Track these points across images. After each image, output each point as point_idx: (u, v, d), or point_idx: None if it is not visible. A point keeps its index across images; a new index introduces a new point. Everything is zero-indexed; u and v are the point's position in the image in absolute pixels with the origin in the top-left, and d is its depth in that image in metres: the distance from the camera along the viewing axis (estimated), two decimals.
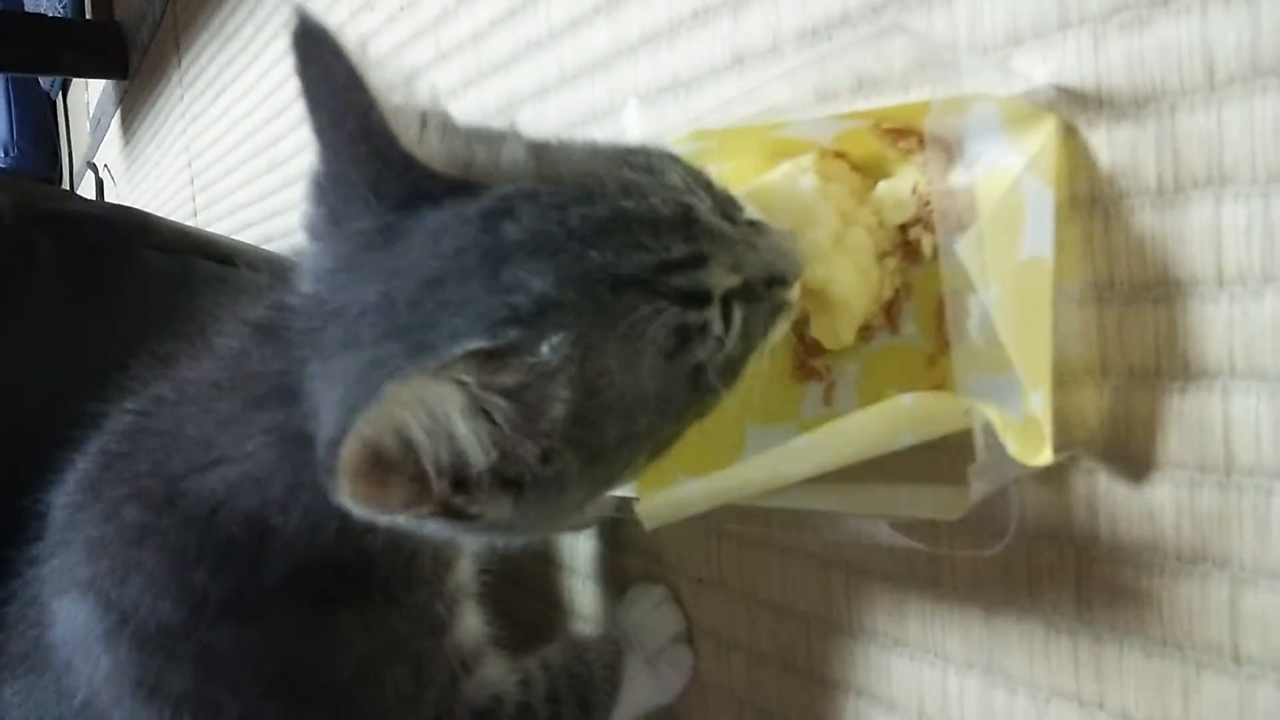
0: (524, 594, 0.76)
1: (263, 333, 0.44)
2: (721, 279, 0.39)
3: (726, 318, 0.40)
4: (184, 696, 0.46)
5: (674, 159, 0.41)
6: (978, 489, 0.37)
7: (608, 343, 0.36)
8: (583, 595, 0.71)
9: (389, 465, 0.32)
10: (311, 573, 0.44)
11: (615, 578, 0.68)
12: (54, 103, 3.49)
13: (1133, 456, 0.38)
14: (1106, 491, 0.39)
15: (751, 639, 0.57)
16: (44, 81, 3.36)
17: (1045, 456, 0.36)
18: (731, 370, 0.40)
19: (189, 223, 1.79)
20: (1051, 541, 0.41)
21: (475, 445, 0.34)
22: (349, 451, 0.31)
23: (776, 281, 0.41)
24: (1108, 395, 0.38)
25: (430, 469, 0.34)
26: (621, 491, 0.55)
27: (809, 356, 0.51)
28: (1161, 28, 0.35)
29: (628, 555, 0.67)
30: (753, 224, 0.42)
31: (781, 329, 0.43)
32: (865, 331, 0.48)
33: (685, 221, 0.38)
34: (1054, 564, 0.41)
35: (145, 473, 0.45)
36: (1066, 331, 0.39)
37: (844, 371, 0.50)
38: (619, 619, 0.63)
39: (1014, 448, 0.36)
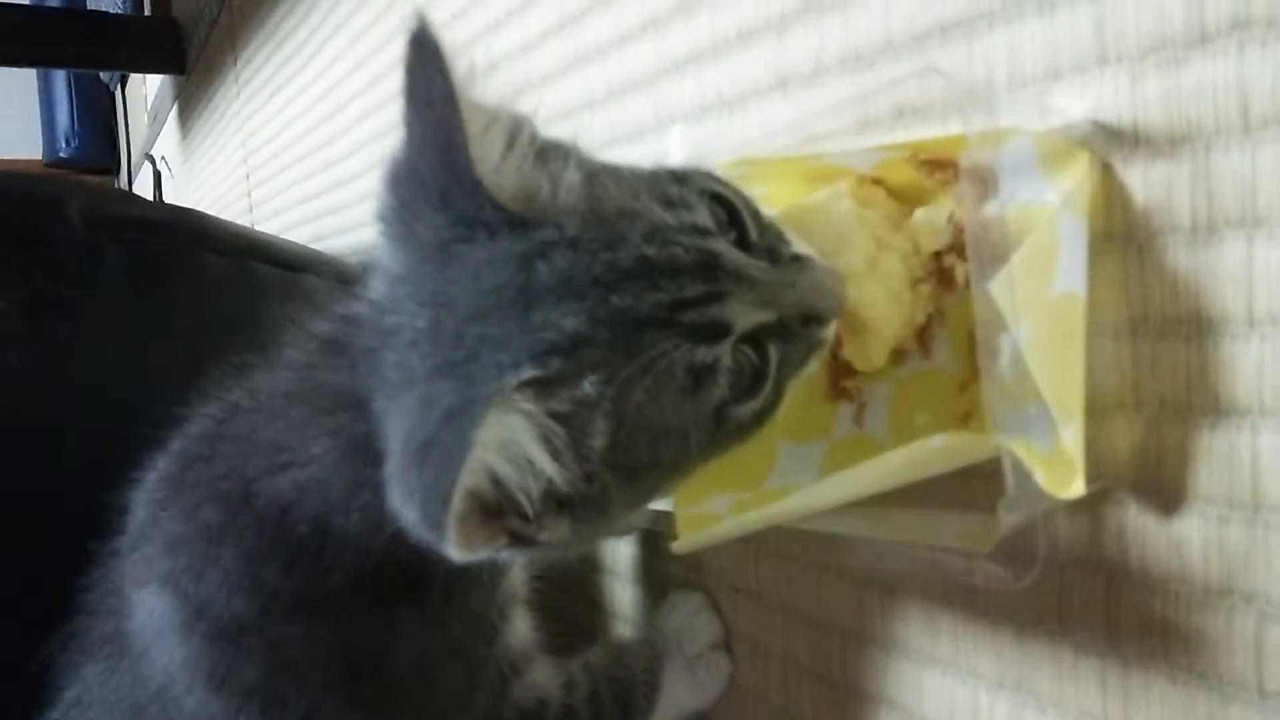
0: (569, 596, 0.78)
1: (329, 346, 0.46)
2: (745, 315, 0.40)
3: (761, 353, 0.41)
4: (253, 689, 0.48)
5: (715, 191, 0.43)
6: (1007, 522, 0.38)
7: (635, 378, 0.38)
8: (625, 599, 0.73)
9: (486, 508, 0.36)
10: (373, 572, 0.46)
11: (656, 583, 0.69)
12: (113, 95, 3.57)
13: (1163, 490, 0.38)
14: (1136, 523, 0.39)
15: (787, 649, 0.59)
16: (104, 75, 3.44)
17: (1076, 489, 0.36)
18: (764, 400, 0.42)
19: (244, 218, 1.83)
20: (1082, 569, 0.42)
21: (550, 468, 0.37)
22: (457, 505, 0.34)
23: (814, 319, 0.43)
24: (1139, 429, 0.39)
25: (522, 500, 0.37)
26: (659, 504, 0.56)
27: (841, 377, 0.52)
28: (1198, 68, 0.36)
29: (668, 562, 0.68)
30: (797, 259, 0.43)
31: (815, 364, 0.45)
32: (897, 355, 0.49)
33: (706, 265, 0.40)
34: (1084, 591, 0.42)
35: (222, 475, 0.48)
36: (1100, 365, 0.40)
37: (875, 393, 0.51)
38: (659, 624, 0.65)
39: (1043, 480, 0.37)
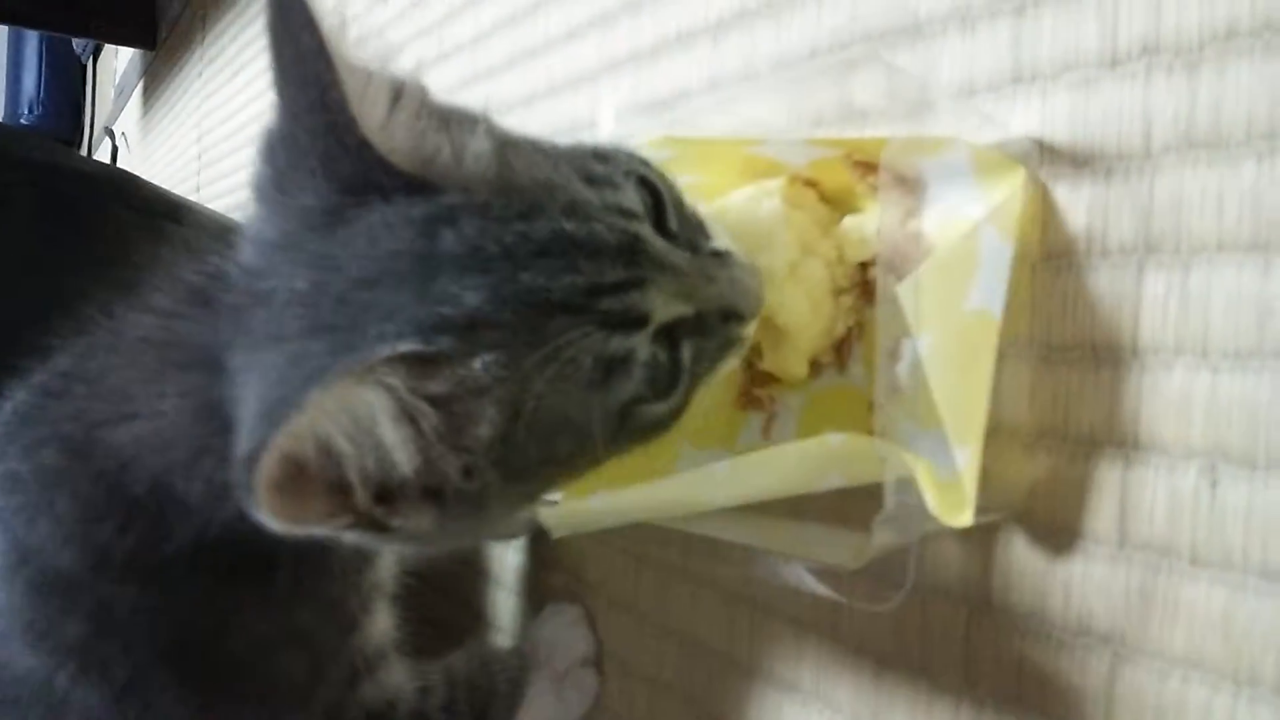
0: (443, 597, 0.75)
1: (196, 296, 0.42)
2: (664, 306, 0.38)
3: (674, 349, 0.39)
4: (72, 648, 0.45)
5: (643, 172, 0.40)
6: (880, 540, 0.36)
7: (537, 367, 0.35)
8: (504, 607, 0.70)
9: (309, 477, 0.31)
10: (214, 545, 0.42)
11: (536, 592, 0.67)
12: (84, 67, 3.52)
13: (1045, 525, 0.37)
14: (1005, 553, 0.38)
15: (658, 669, 0.56)
16: (77, 46, 3.39)
17: (965, 518, 0.34)
18: (673, 401, 0.39)
19: (191, 196, 1.80)
20: (945, 599, 0.40)
21: (402, 452, 0.33)
22: (267, 465, 0.29)
23: (733, 316, 0.40)
24: (1037, 459, 0.37)
25: (355, 479, 0.32)
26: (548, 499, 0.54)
27: (754, 386, 0.50)
28: (1225, 68, 0.35)
29: (551, 571, 0.66)
30: (718, 254, 0.41)
31: (731, 364, 0.42)
32: (813, 367, 0.47)
33: (629, 249, 0.37)
34: (946, 623, 0.40)
35: (68, 416, 0.45)
36: (1007, 389, 0.38)
37: (787, 405, 0.49)
38: (531, 633, 0.62)
39: (934, 504, 0.34)
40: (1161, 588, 0.33)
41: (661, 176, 0.41)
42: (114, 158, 2.69)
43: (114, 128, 2.80)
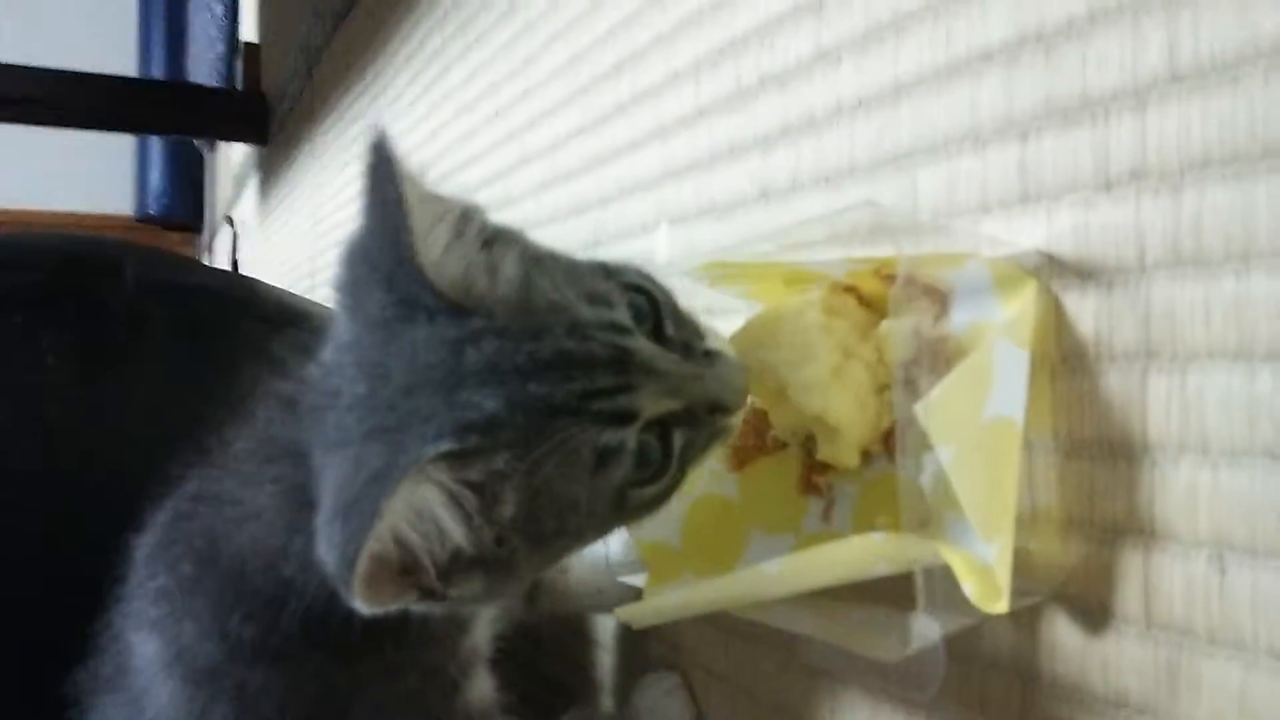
0: (553, 660, 0.81)
1: (284, 404, 0.50)
2: (652, 403, 0.44)
3: (666, 439, 0.45)
4: None
5: (644, 284, 0.47)
6: (916, 638, 0.40)
7: (546, 458, 0.42)
8: (607, 669, 0.75)
9: (390, 567, 0.39)
10: (320, 620, 0.48)
11: (636, 658, 0.72)
12: (203, 158, 3.77)
13: (1081, 604, 0.40)
14: (1049, 631, 0.41)
15: None
16: (196, 140, 3.63)
17: (1001, 606, 0.38)
18: (663, 484, 0.46)
19: (307, 280, 1.92)
20: (1000, 672, 0.43)
21: (456, 532, 0.41)
22: (361, 567, 0.38)
23: (718, 409, 0.47)
24: (1069, 546, 0.41)
25: (425, 562, 0.41)
26: (635, 581, 0.59)
27: (813, 473, 0.55)
28: (1204, 193, 0.38)
29: (650, 641, 0.70)
30: (709, 354, 0.47)
31: (716, 451, 0.49)
32: (865, 457, 0.51)
33: (618, 360, 0.43)
34: (1002, 695, 0.43)
35: (197, 532, 0.52)
36: (1038, 481, 0.42)
37: (844, 491, 0.53)
38: (632, 699, 0.67)
39: (973, 593, 0.38)
40: (1184, 665, 0.36)
41: (660, 288, 0.48)
42: (234, 244, 2.88)
43: (233, 215, 3.00)
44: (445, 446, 0.40)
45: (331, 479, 0.43)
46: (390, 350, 0.43)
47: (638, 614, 0.52)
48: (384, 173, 0.42)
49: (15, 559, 0.66)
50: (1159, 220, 0.37)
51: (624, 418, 0.43)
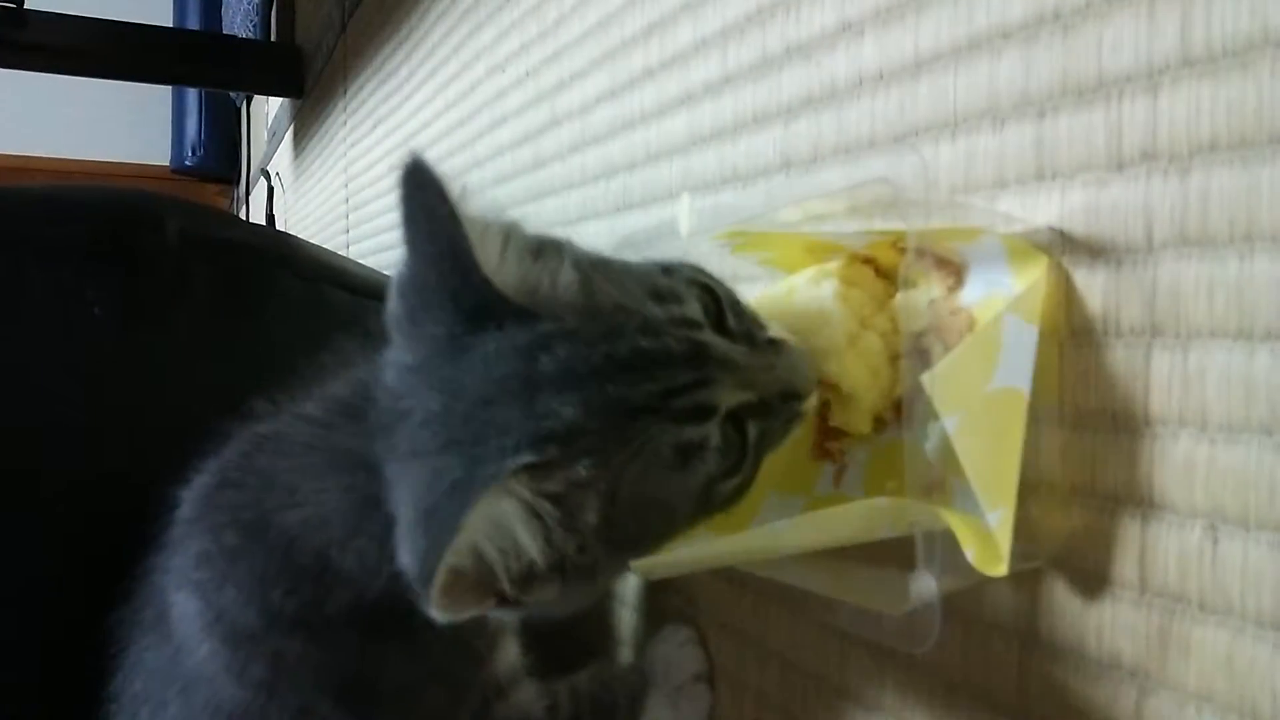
0: (581, 617, 0.83)
1: (346, 411, 0.52)
2: (729, 396, 0.45)
3: (741, 430, 0.46)
4: (261, 683, 0.55)
5: (703, 280, 0.47)
6: (917, 593, 0.42)
7: (627, 461, 0.42)
8: (626, 623, 0.78)
9: (468, 580, 0.41)
10: (366, 607, 0.51)
11: (655, 614, 0.74)
12: (239, 111, 3.79)
13: (1079, 570, 0.42)
14: (1048, 595, 0.43)
15: (761, 685, 0.63)
16: (232, 92, 3.65)
17: (1000, 570, 0.39)
18: (743, 475, 0.46)
19: (341, 237, 1.95)
20: (1000, 634, 0.45)
21: (533, 546, 0.41)
22: (439, 579, 0.39)
23: (792, 396, 0.47)
24: (1069, 514, 0.42)
25: (501, 575, 0.42)
26: None
27: (826, 439, 0.56)
28: (1211, 176, 0.39)
29: (668, 595, 0.73)
30: (773, 343, 0.48)
31: (794, 435, 0.49)
32: (878, 424, 0.53)
33: (695, 355, 0.44)
34: (1002, 655, 0.45)
35: (244, 505, 0.55)
36: (1042, 450, 0.43)
37: (855, 457, 0.55)
38: (648, 652, 0.69)
39: (975, 557, 0.39)
40: (1175, 630, 0.38)
41: (719, 282, 0.48)
42: (270, 197, 2.91)
43: (269, 169, 3.03)
44: (525, 459, 0.40)
45: (408, 489, 0.43)
46: (462, 365, 0.43)
47: (652, 566, 0.54)
48: (427, 196, 0.42)
49: (59, 507, 0.69)
50: (1167, 201, 0.38)
51: (704, 413, 0.44)
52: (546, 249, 0.46)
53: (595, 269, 0.46)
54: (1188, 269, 0.37)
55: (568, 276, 0.44)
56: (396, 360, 0.47)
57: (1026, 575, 0.44)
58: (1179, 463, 0.38)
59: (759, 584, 0.63)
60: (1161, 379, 0.38)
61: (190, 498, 0.59)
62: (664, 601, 0.73)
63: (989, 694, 0.46)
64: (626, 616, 0.78)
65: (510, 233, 0.45)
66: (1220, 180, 0.36)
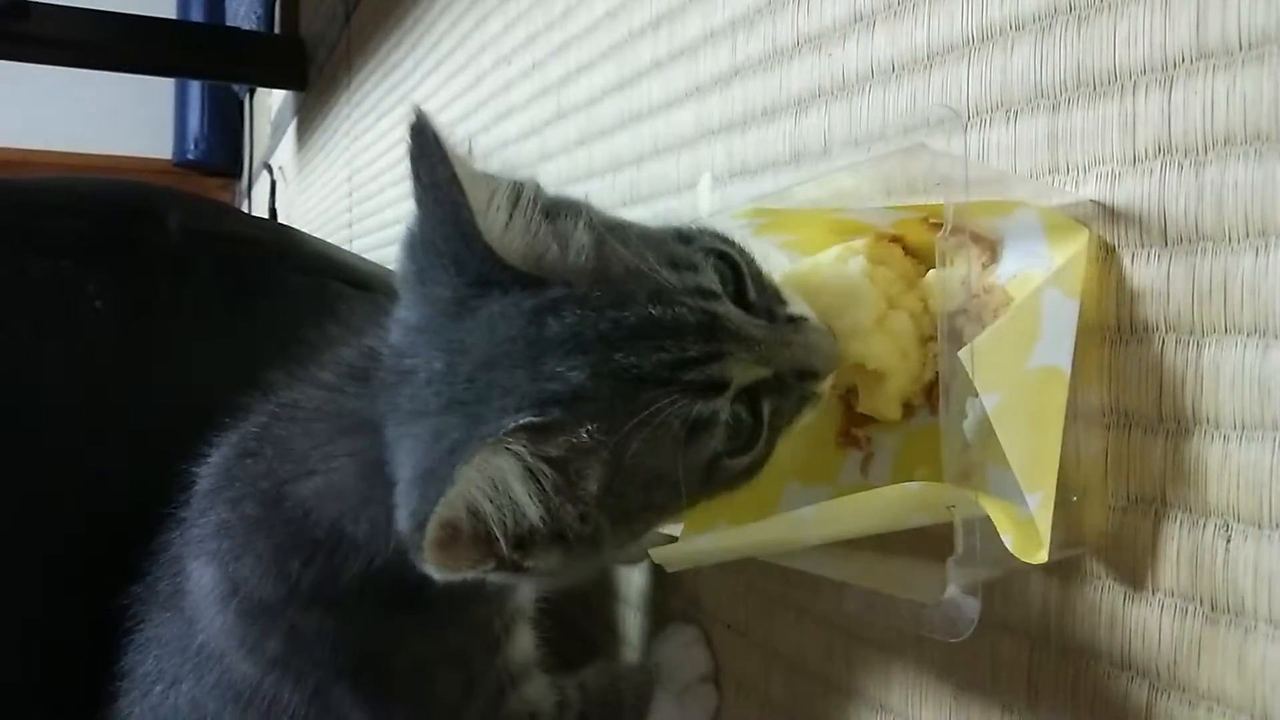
0: (581, 614, 0.83)
1: (355, 373, 0.52)
2: (743, 372, 0.43)
3: (755, 408, 0.44)
4: (274, 661, 0.54)
5: (724, 249, 0.46)
6: (954, 580, 0.40)
7: (633, 430, 0.41)
8: (630, 623, 0.77)
9: (462, 535, 0.39)
10: (379, 578, 0.51)
11: (659, 614, 0.74)
12: (242, 104, 3.78)
13: (1090, 569, 0.41)
14: (1059, 594, 0.43)
15: (767, 688, 0.62)
16: (235, 85, 3.64)
17: (1040, 557, 0.37)
18: (754, 454, 0.45)
19: (344, 231, 1.94)
20: (1010, 633, 0.45)
21: (531, 507, 0.40)
22: (431, 531, 0.38)
23: (808, 374, 0.46)
24: (1105, 512, 0.41)
25: (497, 532, 0.40)
26: (667, 531, 0.61)
27: (853, 426, 0.54)
28: (1226, 170, 0.37)
29: (671, 595, 0.72)
30: (793, 320, 0.46)
31: (809, 416, 0.47)
32: (907, 409, 0.50)
33: (708, 326, 0.42)
34: (1012, 654, 0.45)
35: (262, 474, 0.54)
36: (1082, 445, 0.42)
37: (883, 444, 0.52)
38: (654, 651, 0.69)
39: (1014, 544, 0.38)
40: (1187, 630, 0.37)
41: (741, 251, 0.47)
42: (273, 191, 2.90)
43: (272, 163, 3.02)
44: (525, 419, 0.40)
45: (409, 450, 0.43)
46: (466, 326, 0.43)
47: (671, 555, 0.53)
48: (431, 156, 0.41)
49: (65, 496, 0.69)
50: (1181, 196, 0.37)
51: (715, 387, 0.42)
52: (562, 209, 0.45)
53: (612, 233, 0.44)
54: (1202, 264, 0.37)
55: (581, 239, 0.43)
56: (404, 319, 0.46)
57: (1034, 571, 0.43)
58: (1193, 461, 0.37)
59: (762, 584, 0.62)
60: (1174, 376, 0.38)
61: (208, 471, 0.59)
62: (668, 601, 0.73)
63: (999, 693, 0.46)
64: (630, 617, 0.78)
65: (520, 193, 0.43)
66: (1235, 174, 0.36)
